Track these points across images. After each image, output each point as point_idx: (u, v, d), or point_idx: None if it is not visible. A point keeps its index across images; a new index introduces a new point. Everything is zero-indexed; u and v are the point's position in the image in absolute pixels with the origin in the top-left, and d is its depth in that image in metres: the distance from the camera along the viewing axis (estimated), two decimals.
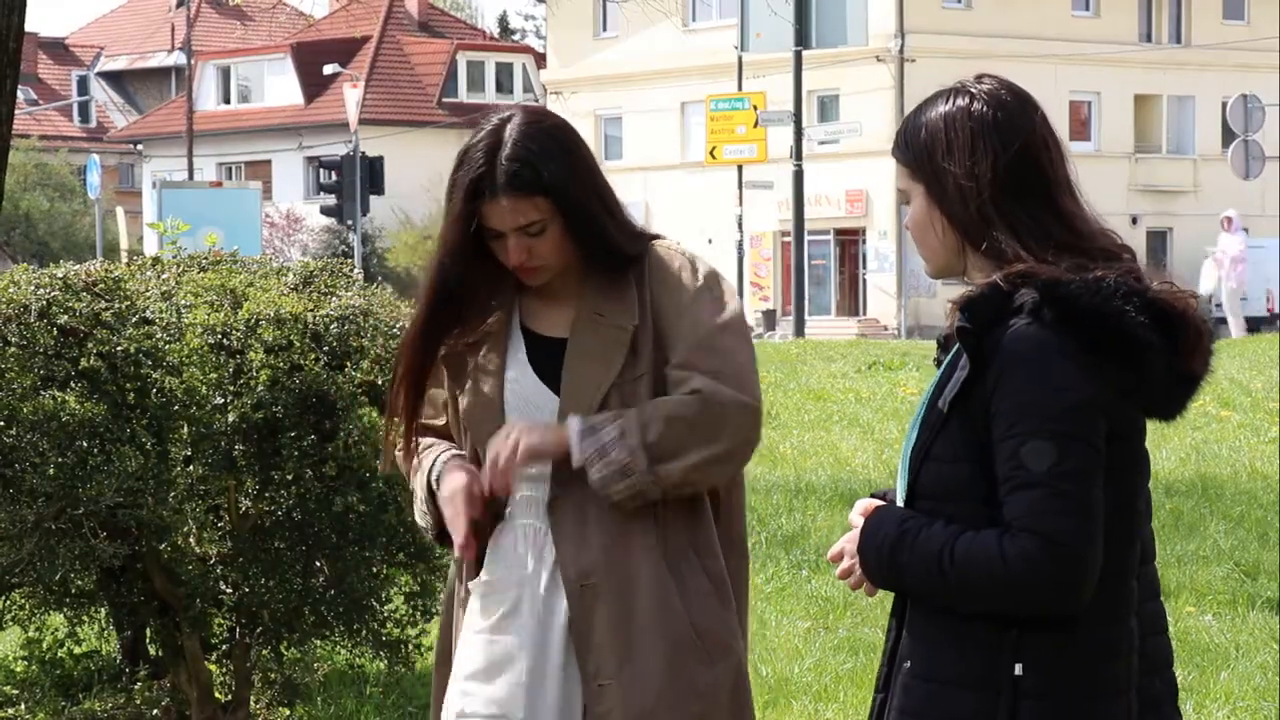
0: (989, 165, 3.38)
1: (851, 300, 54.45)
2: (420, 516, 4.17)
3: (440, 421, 4.20)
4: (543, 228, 4.04)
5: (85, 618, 6.86)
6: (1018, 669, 3.32)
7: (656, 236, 4.21)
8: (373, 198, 42.54)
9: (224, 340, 6.21)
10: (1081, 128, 55.80)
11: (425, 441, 4.18)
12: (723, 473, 4.03)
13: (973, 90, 3.45)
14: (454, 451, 4.14)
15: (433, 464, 4.13)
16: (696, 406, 3.98)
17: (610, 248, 4.12)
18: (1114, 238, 3.50)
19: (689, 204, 54.37)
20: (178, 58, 73.35)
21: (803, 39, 38.20)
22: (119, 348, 6.15)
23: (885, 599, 3.62)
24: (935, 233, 3.46)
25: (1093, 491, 3.27)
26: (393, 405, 4.19)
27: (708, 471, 4.00)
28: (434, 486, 4.11)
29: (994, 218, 3.38)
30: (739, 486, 4.19)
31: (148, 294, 6.41)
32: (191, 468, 6.29)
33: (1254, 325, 47.18)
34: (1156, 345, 3.30)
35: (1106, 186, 54.93)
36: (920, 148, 3.44)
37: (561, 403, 4.06)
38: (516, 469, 4.00)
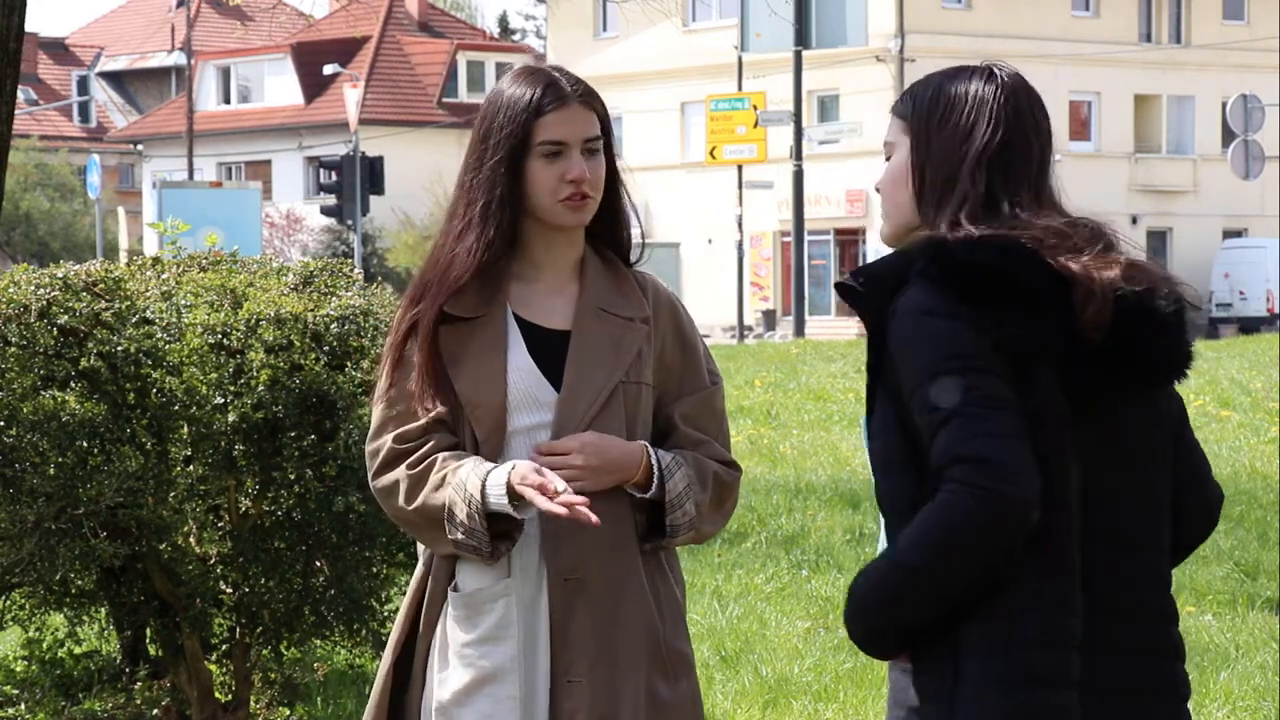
0: (978, 150, 3.43)
1: None
2: (461, 533, 3.91)
3: (438, 412, 3.98)
4: (597, 148, 4.01)
5: (85, 618, 6.85)
6: (962, 629, 3.32)
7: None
8: (373, 198, 42.55)
9: (224, 340, 6.21)
10: (1081, 128, 55.79)
11: (437, 459, 3.96)
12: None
13: (999, 77, 3.50)
14: (479, 459, 3.94)
15: (479, 475, 3.90)
16: (728, 480, 4.06)
17: (621, 228, 4.10)
18: (1083, 224, 3.50)
19: (689, 204, 54.36)
20: (178, 58, 73.37)
21: (803, 39, 38.23)
22: (119, 348, 6.14)
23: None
24: (906, 190, 3.50)
25: (1009, 417, 3.25)
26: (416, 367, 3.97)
27: (712, 536, 4.15)
28: (484, 494, 3.87)
29: (954, 197, 3.42)
30: None
31: (148, 294, 6.41)
32: (191, 468, 6.29)
33: (1254, 325, 47.22)
34: (1033, 292, 3.31)
35: (1106, 186, 54.92)
36: (923, 108, 3.48)
37: (562, 399, 3.95)
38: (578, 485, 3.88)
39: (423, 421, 3.98)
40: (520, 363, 3.98)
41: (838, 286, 3.48)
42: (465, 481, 3.90)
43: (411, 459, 3.98)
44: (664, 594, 4.02)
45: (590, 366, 3.97)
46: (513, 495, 3.87)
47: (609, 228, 4.08)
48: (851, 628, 3.41)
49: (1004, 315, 3.30)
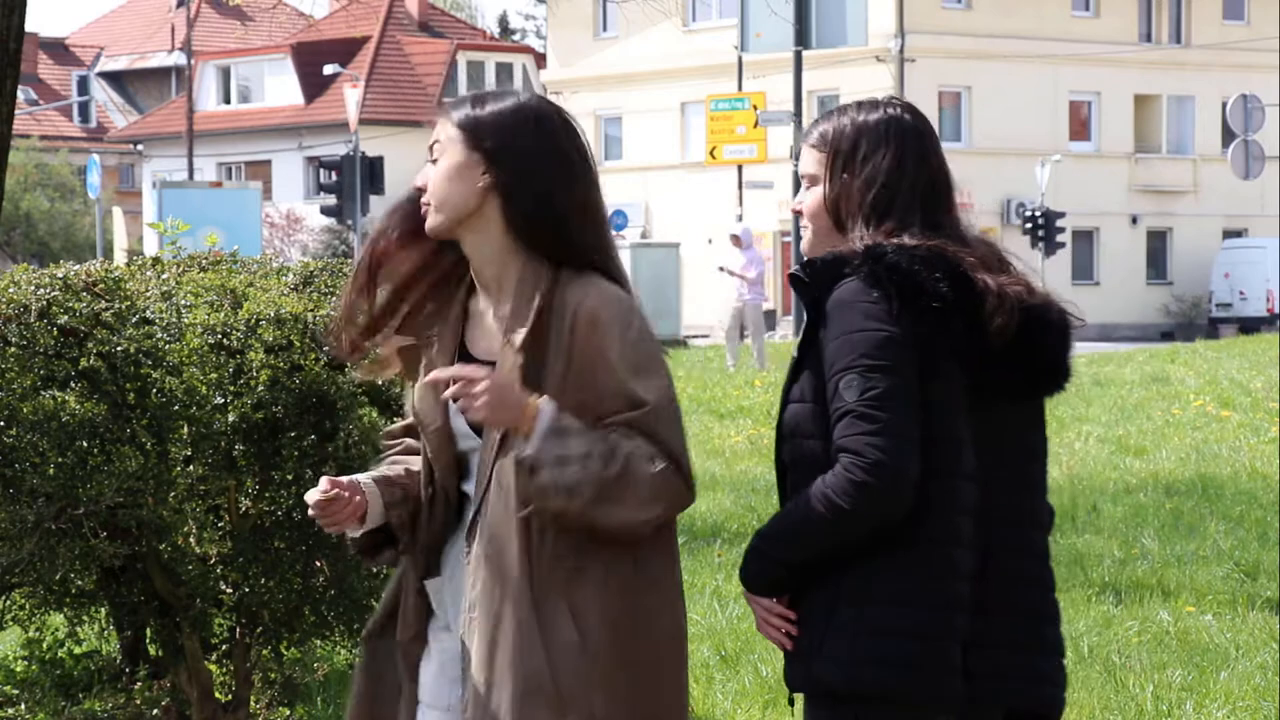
0: (883, 165, 4.02)
1: None
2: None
3: (410, 420, 4.18)
4: (434, 156, 4.07)
5: (85, 618, 6.85)
6: (841, 583, 3.94)
7: (610, 271, 4.01)
8: (373, 198, 42.50)
9: (224, 340, 6.21)
10: (1081, 128, 55.77)
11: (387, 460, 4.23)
12: (641, 535, 3.93)
13: (886, 106, 4.12)
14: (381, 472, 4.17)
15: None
16: (654, 469, 3.88)
17: (544, 231, 3.98)
18: (990, 245, 4.08)
19: (689, 204, 54.36)
20: (178, 58, 73.36)
21: (803, 39, 38.19)
22: (119, 348, 6.14)
23: None
24: (830, 217, 4.10)
25: (900, 413, 3.87)
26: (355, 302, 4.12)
27: (632, 531, 3.92)
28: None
29: (885, 221, 4.01)
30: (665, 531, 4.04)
31: (148, 294, 6.41)
32: (191, 468, 6.29)
33: (1254, 325, 47.21)
34: (947, 300, 3.90)
35: (1106, 186, 54.91)
36: (846, 145, 4.07)
37: (484, 438, 4.00)
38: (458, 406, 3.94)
39: (404, 423, 4.25)
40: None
41: (790, 276, 4.05)
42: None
43: (382, 455, 4.26)
44: (556, 628, 3.93)
45: None
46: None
47: (532, 234, 4.01)
48: (744, 568, 4.05)
49: (920, 314, 3.89)
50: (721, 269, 29.13)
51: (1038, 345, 3.98)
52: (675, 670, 4.03)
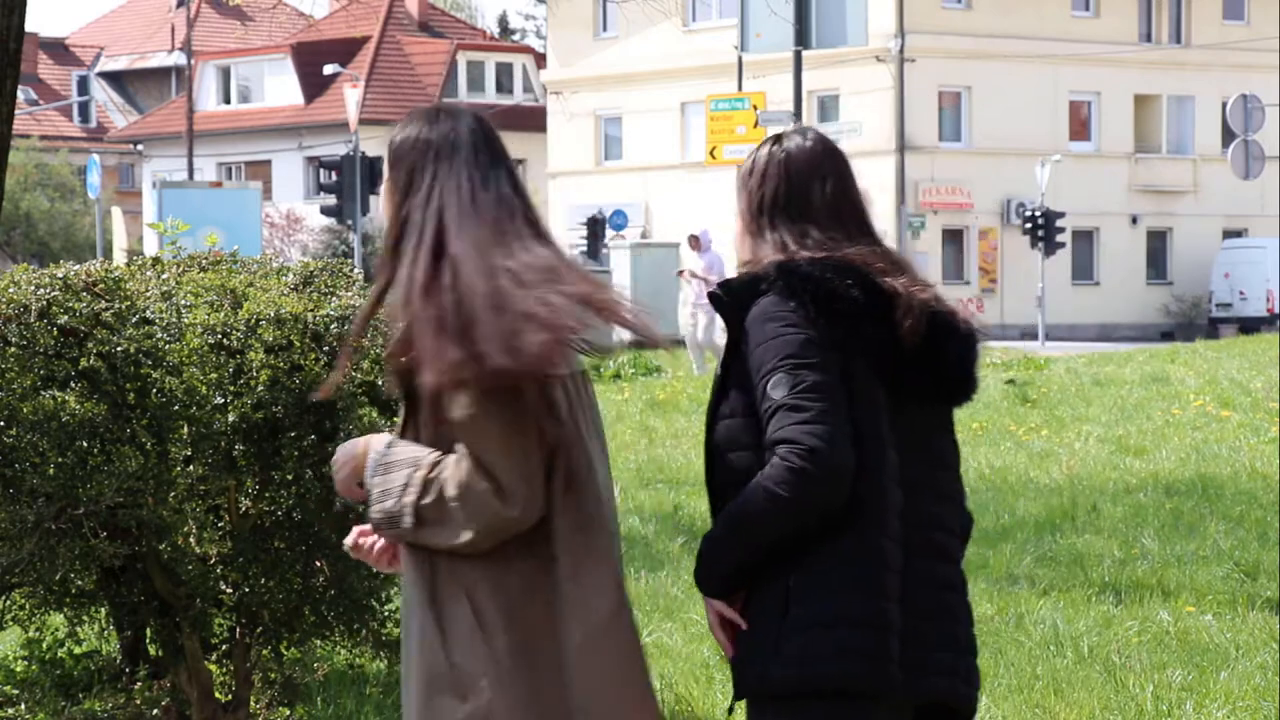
0: (768, 191, 4.34)
1: None
2: None
3: None
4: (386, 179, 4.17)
5: (85, 618, 6.85)
6: (790, 580, 4.08)
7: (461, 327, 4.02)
8: (373, 198, 42.51)
9: (224, 340, 6.21)
10: (1081, 128, 55.73)
11: None
12: (471, 551, 4.03)
13: (782, 139, 4.41)
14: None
15: None
16: (465, 493, 3.98)
17: (391, 238, 4.11)
18: (892, 254, 4.32)
19: (689, 204, 54.34)
20: (178, 58, 73.37)
21: (803, 39, 38.15)
22: (119, 348, 6.14)
23: None
24: (743, 235, 4.39)
25: (829, 405, 4.05)
26: None
27: (457, 548, 4.02)
28: None
29: (768, 228, 4.32)
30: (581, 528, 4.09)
31: (148, 294, 6.41)
32: (191, 468, 6.29)
33: (1254, 325, 47.20)
34: (860, 304, 4.13)
35: (1106, 186, 54.87)
36: (743, 174, 4.42)
37: None
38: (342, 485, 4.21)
39: None
40: None
41: (710, 296, 4.28)
42: None
43: None
44: (454, 617, 4.05)
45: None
46: None
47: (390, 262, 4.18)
48: (697, 570, 4.19)
49: (834, 319, 4.12)
50: (680, 272, 28.63)
51: (943, 350, 4.20)
52: (608, 661, 4.05)
